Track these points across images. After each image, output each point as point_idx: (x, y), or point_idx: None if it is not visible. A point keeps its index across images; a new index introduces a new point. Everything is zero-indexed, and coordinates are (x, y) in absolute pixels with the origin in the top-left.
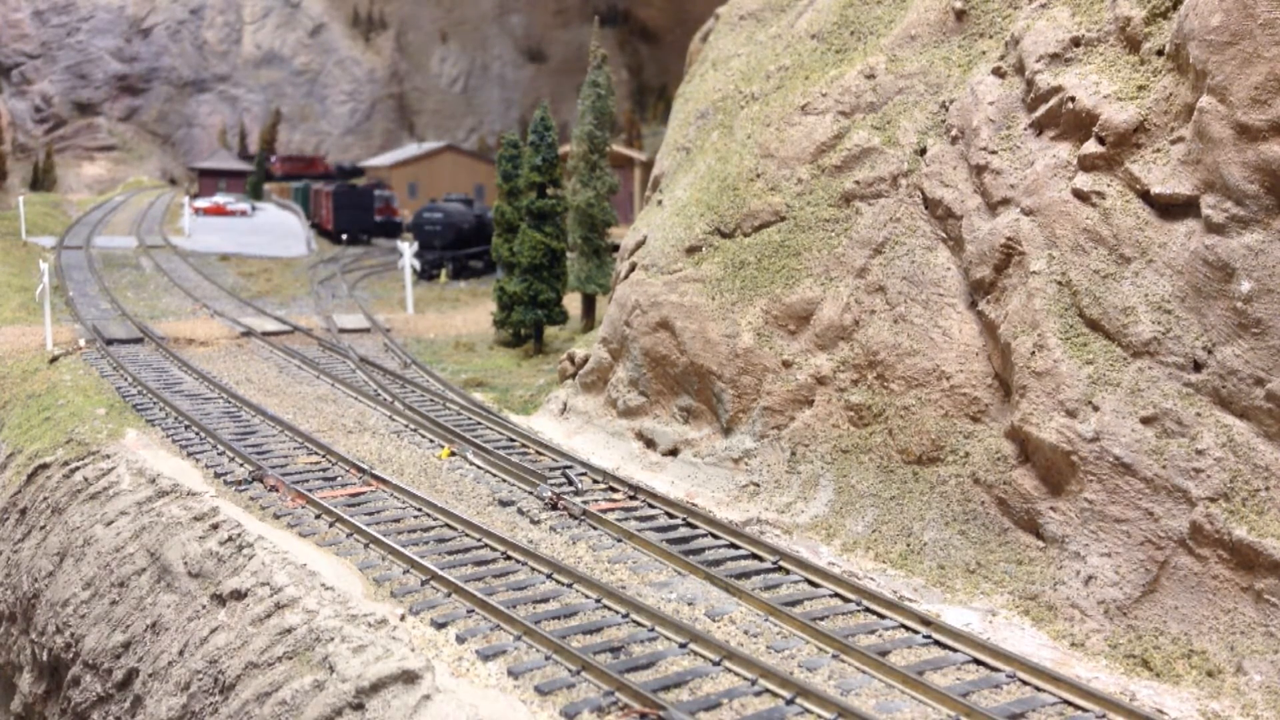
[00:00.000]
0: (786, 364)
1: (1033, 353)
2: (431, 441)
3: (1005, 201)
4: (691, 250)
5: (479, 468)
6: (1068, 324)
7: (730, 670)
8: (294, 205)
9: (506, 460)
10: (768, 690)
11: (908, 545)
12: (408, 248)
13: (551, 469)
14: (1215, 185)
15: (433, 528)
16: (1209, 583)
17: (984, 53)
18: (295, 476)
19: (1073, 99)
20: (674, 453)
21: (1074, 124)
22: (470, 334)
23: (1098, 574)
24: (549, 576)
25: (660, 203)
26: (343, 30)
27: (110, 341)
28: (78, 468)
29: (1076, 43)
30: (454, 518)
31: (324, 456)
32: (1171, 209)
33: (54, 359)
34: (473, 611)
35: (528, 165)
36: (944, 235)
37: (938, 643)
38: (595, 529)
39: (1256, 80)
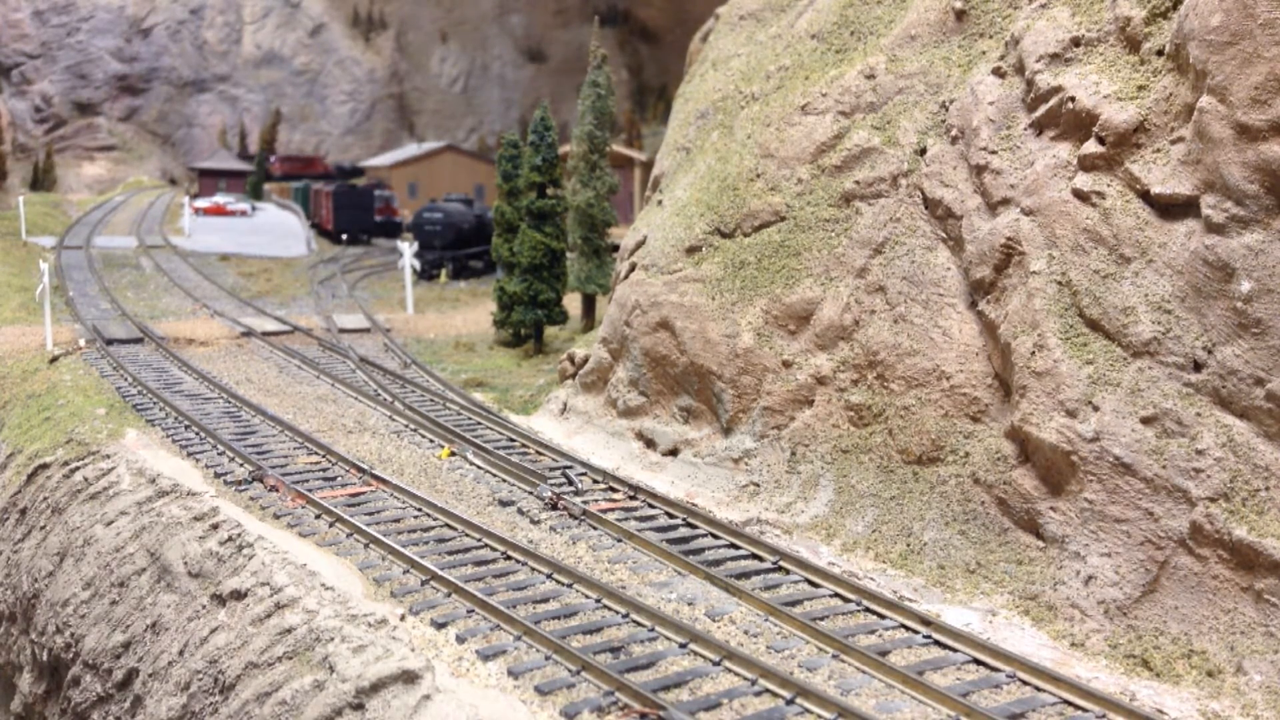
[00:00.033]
0: (786, 364)
1: (1033, 353)
2: (431, 441)
3: (1005, 201)
4: (691, 250)
5: (479, 468)
6: (1068, 324)
7: (730, 670)
8: (294, 205)
9: (506, 460)
10: (768, 690)
11: (908, 545)
12: (408, 248)
13: (551, 469)
14: (1215, 185)
15: (433, 528)
16: (1209, 583)
17: (984, 53)
18: (295, 476)
19: (1073, 99)
20: (674, 453)
21: (1074, 124)
22: (470, 334)
23: (1098, 574)
24: (549, 576)
25: (660, 203)
26: (343, 30)
27: (110, 341)
28: (78, 468)
29: (1076, 43)
30: (454, 518)
31: (324, 456)
32: (1171, 209)
33: (54, 359)
34: (473, 611)
35: (528, 165)
36: (944, 235)
37: (938, 643)
38: (595, 529)
39: (1256, 80)
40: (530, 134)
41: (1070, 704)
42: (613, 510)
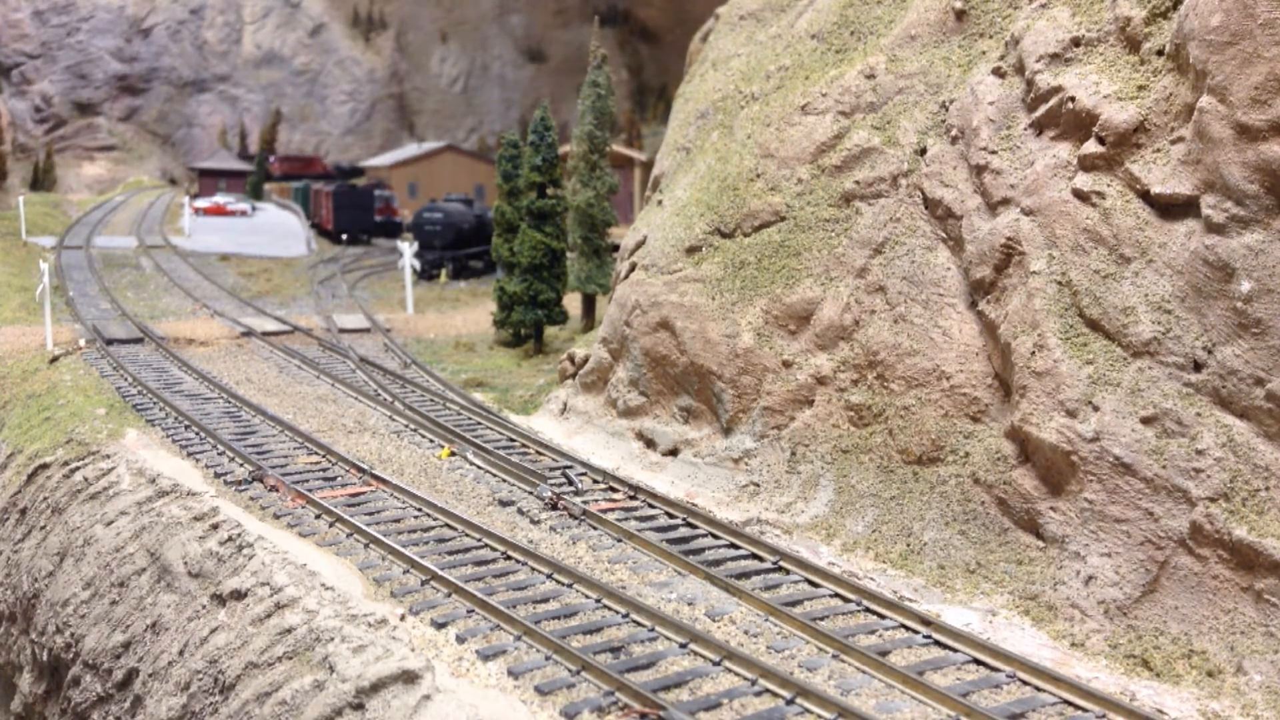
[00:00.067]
0: (786, 364)
1: (1033, 353)
2: (431, 441)
3: (1005, 201)
4: (691, 250)
5: (479, 468)
6: (1068, 324)
7: (730, 670)
8: (294, 205)
9: (506, 460)
10: (768, 690)
11: (908, 545)
12: (408, 248)
13: (551, 469)
14: (1215, 185)
15: (433, 528)
16: (1209, 583)
17: (984, 53)
18: (295, 476)
19: (1073, 99)
20: (674, 453)
21: (1074, 124)
22: (470, 334)
23: (1098, 574)
24: (549, 576)
25: (660, 203)
26: (343, 30)
27: (110, 341)
28: (78, 468)
29: (1076, 43)
30: (454, 518)
31: (324, 456)
32: (1171, 209)
33: (54, 359)
34: (473, 611)
35: (528, 165)
36: (944, 235)
37: (938, 643)
38: (595, 529)
39: (1256, 80)
40: (530, 134)
41: (1070, 704)
42: (613, 510)
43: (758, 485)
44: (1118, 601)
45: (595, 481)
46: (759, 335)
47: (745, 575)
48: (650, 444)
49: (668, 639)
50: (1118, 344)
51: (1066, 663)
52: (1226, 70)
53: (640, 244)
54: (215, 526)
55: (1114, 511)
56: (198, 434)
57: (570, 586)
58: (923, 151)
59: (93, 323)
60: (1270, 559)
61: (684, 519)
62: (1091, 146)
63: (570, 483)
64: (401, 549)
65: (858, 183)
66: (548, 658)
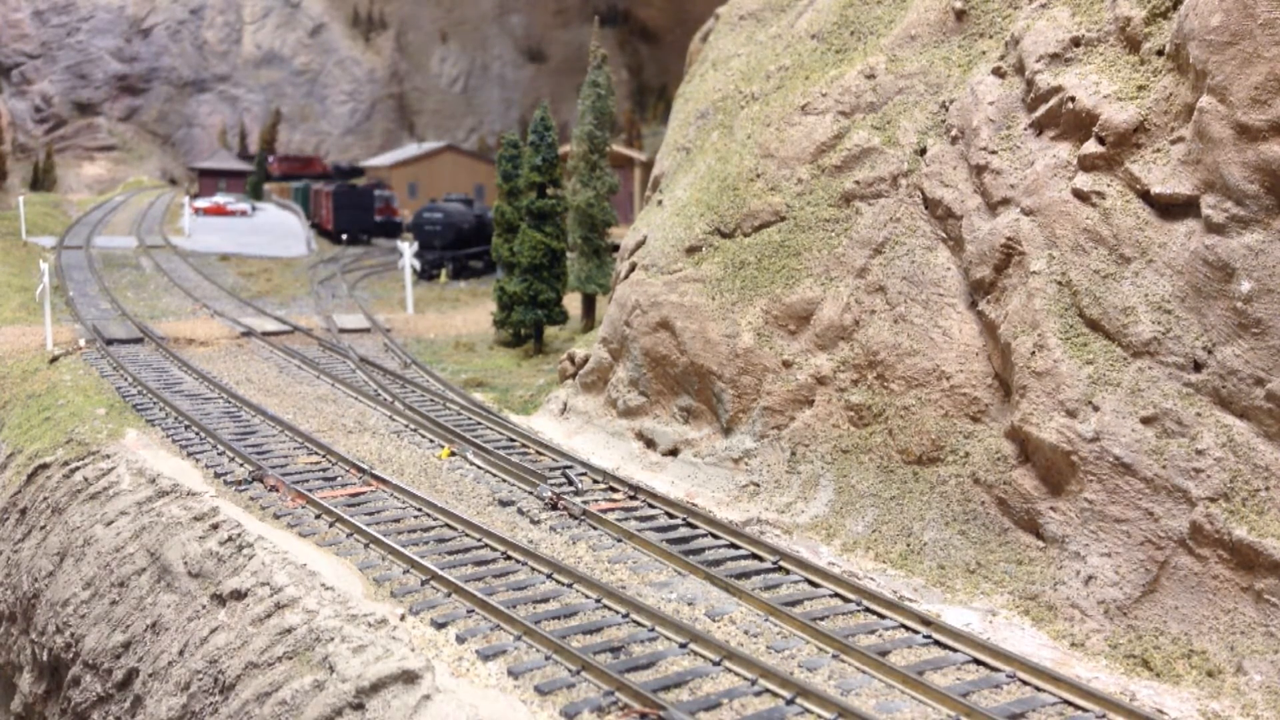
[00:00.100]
0: (786, 364)
1: (1033, 353)
2: (431, 441)
3: (1005, 201)
4: (691, 250)
5: (479, 468)
6: (1068, 324)
7: (730, 670)
8: (294, 205)
9: (506, 460)
10: (768, 690)
11: (908, 545)
12: (408, 248)
13: (551, 469)
14: (1215, 185)
15: (433, 528)
16: (1209, 583)
17: (984, 53)
18: (295, 476)
19: (1073, 99)
20: (674, 453)
21: (1074, 124)
22: (470, 334)
23: (1098, 574)
24: (549, 576)
25: (660, 203)
26: (343, 30)
27: (110, 341)
28: (78, 468)
29: (1076, 43)
30: (454, 518)
31: (324, 456)
32: (1171, 209)
33: (54, 359)
34: (473, 611)
35: (528, 165)
36: (944, 235)
37: (938, 643)
38: (595, 529)
39: (1256, 80)
40: (530, 134)
41: (1070, 704)
42: (613, 510)
43: (758, 485)
44: (1118, 601)
45: (595, 481)
46: (759, 335)
47: (745, 575)
48: (650, 444)
49: (668, 639)
50: (1118, 344)
51: (1066, 663)
52: (1226, 70)
53: (640, 244)
54: (215, 526)
55: (1114, 511)
56: (198, 434)
57: (570, 586)
58: (923, 151)
59: (93, 323)
60: (1270, 559)
61: (684, 519)
62: (1091, 146)
63: (570, 483)
64: (401, 549)
65: (858, 183)
66: (548, 658)
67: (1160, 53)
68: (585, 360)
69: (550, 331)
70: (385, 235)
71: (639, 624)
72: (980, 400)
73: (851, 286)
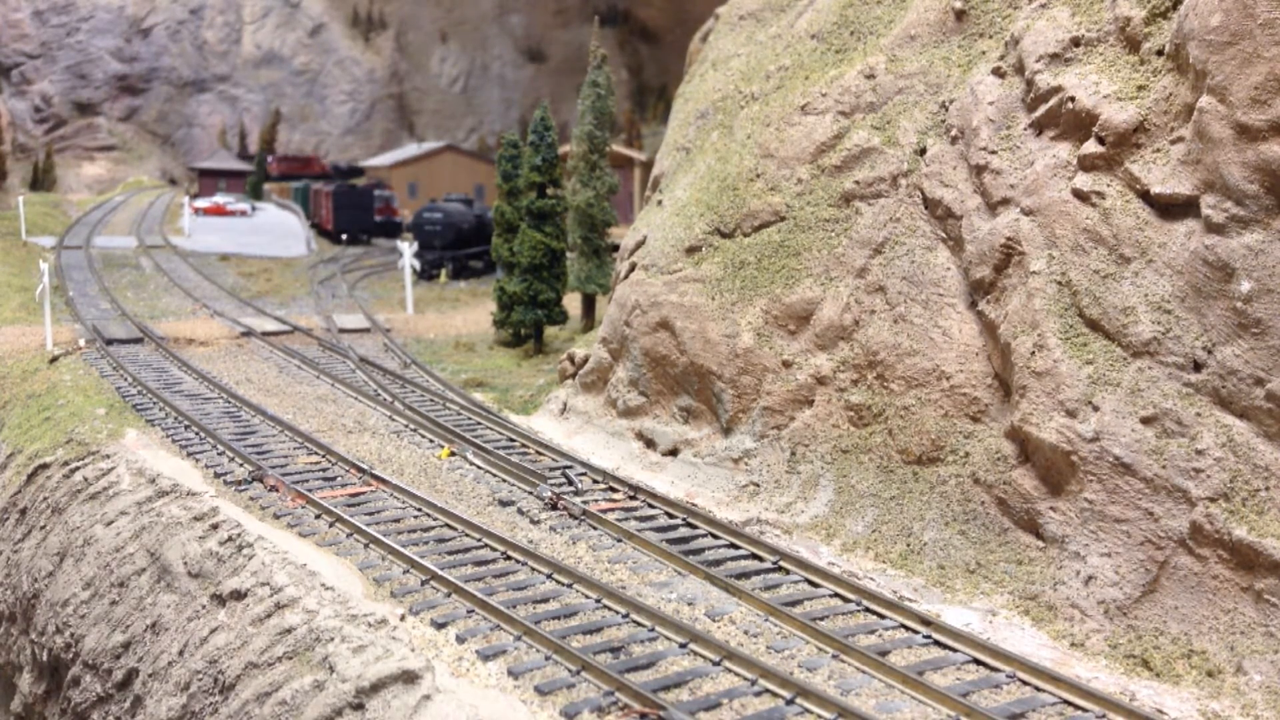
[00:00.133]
0: (786, 364)
1: (1033, 353)
2: (431, 441)
3: (1005, 201)
4: (691, 250)
5: (479, 468)
6: (1068, 324)
7: (730, 670)
8: (294, 205)
9: (506, 460)
10: (768, 690)
11: (908, 545)
12: (408, 248)
13: (551, 469)
14: (1215, 185)
15: (433, 528)
16: (1209, 583)
17: (984, 53)
18: (295, 476)
19: (1073, 99)
20: (674, 453)
21: (1074, 124)
22: (470, 334)
23: (1098, 574)
24: (549, 576)
25: (660, 203)
26: (343, 30)
27: (110, 341)
28: (78, 468)
29: (1076, 43)
30: (454, 518)
31: (324, 456)
32: (1171, 209)
33: (54, 359)
34: (473, 611)
35: (528, 165)
36: (944, 235)
37: (938, 643)
38: (595, 529)
39: (1256, 80)
40: (530, 134)
41: (1070, 704)
42: (613, 510)
43: (758, 485)
44: (1118, 601)
45: (595, 481)
46: (759, 335)
47: (745, 575)
48: (650, 444)
49: (668, 639)
50: (1118, 344)
51: (1066, 663)
52: (1226, 70)
53: (640, 244)
54: (215, 526)
55: (1114, 511)
56: (198, 434)
57: (570, 586)
58: (922, 151)
59: (92, 323)
60: (1270, 559)
61: (684, 519)
62: (1091, 146)
63: (570, 483)
64: (401, 549)
65: (858, 183)
66: (548, 658)
67: (1160, 53)
68: (585, 360)
69: (550, 331)
70: (385, 235)
71: (639, 624)
72: (980, 400)
73: (851, 286)
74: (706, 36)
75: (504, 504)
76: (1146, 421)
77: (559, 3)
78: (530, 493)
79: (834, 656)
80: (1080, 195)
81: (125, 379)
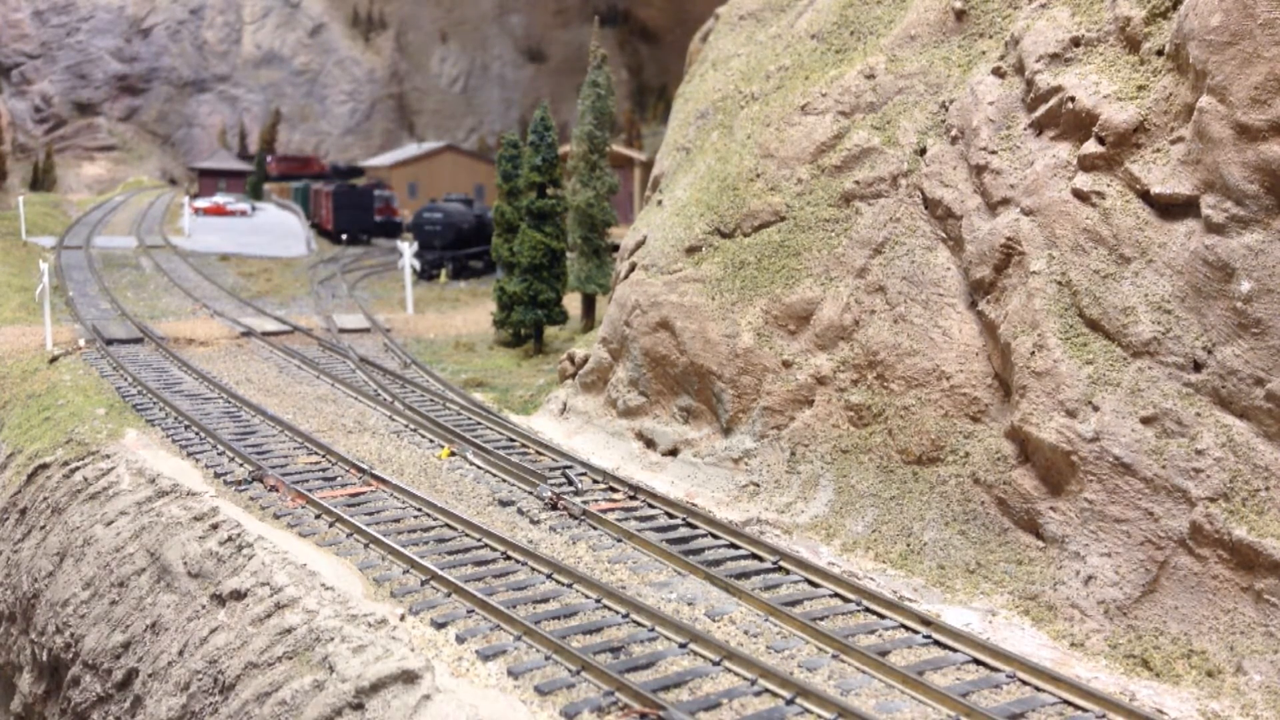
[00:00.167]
0: (786, 364)
1: (1033, 353)
2: (431, 441)
3: (1005, 201)
4: (691, 250)
5: (479, 468)
6: (1068, 324)
7: (730, 670)
8: (294, 205)
9: (506, 460)
10: (768, 690)
11: (908, 545)
12: (408, 248)
13: (551, 469)
14: (1215, 185)
15: (433, 528)
16: (1209, 583)
17: (984, 53)
18: (295, 476)
19: (1073, 99)
20: (674, 453)
21: (1074, 124)
22: (470, 334)
23: (1098, 574)
24: (549, 576)
25: (660, 203)
26: (343, 30)
27: (110, 341)
28: (78, 468)
29: (1076, 43)
30: (454, 518)
31: (324, 456)
32: (1171, 209)
33: (54, 359)
34: (473, 611)
35: (528, 165)
36: (944, 235)
37: (938, 643)
38: (595, 529)
39: (1256, 80)
40: (530, 134)
41: (1070, 704)
42: (613, 510)
43: (758, 485)
44: (1118, 601)
45: (595, 481)
46: (759, 335)
47: (745, 575)
48: (650, 444)
49: (668, 639)
50: (1118, 344)
51: (1066, 663)
52: (1226, 70)
53: (640, 244)
54: (215, 526)
55: (1114, 511)
56: (198, 434)
57: (570, 586)
58: (923, 151)
59: (92, 323)
60: (1270, 559)
61: (684, 519)
62: (1091, 146)
63: (570, 483)
64: (401, 549)
65: (858, 183)
66: (548, 658)
67: (1160, 53)
68: (585, 360)
69: (550, 331)
70: (385, 235)
71: (639, 624)
72: (980, 400)
73: (851, 286)
74: (706, 36)
75: (504, 504)
76: (1146, 421)
77: (559, 3)
78: (530, 493)
79: (834, 656)
80: (1080, 195)
81: (125, 379)
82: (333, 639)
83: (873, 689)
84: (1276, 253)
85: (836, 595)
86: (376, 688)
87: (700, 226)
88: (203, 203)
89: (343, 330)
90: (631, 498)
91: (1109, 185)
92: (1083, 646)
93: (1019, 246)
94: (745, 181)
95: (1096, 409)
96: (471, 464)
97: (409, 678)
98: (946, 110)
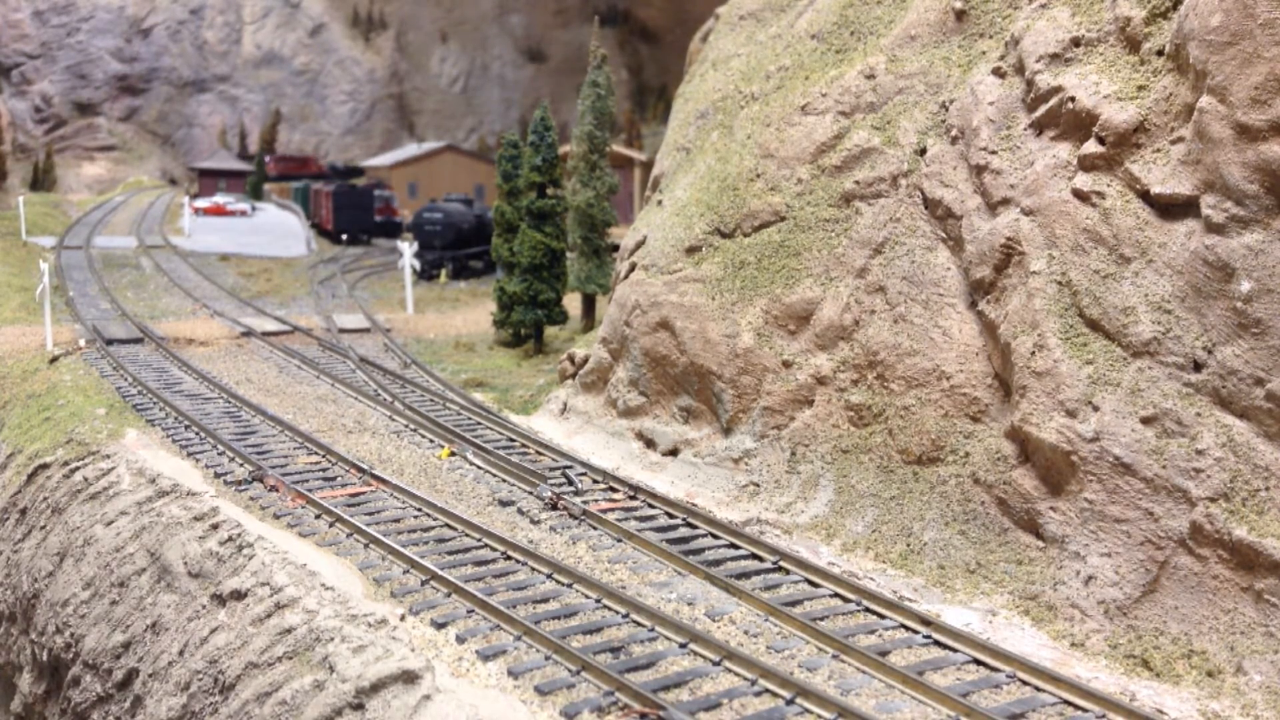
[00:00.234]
0: (786, 364)
1: (1033, 353)
2: (431, 441)
3: (1005, 201)
4: (691, 250)
5: (479, 468)
6: (1068, 324)
7: (730, 670)
8: (294, 205)
9: (506, 460)
10: (768, 690)
11: (908, 545)
12: (408, 248)
13: (551, 469)
14: (1215, 185)
15: (433, 528)
16: (1209, 583)
17: (984, 53)
18: (295, 476)
19: (1073, 99)
20: (674, 453)
21: (1074, 124)
22: (470, 334)
23: (1098, 574)
24: (549, 576)
25: (660, 203)
26: (343, 30)
27: (110, 341)
28: (78, 468)
29: (1076, 43)
30: (454, 518)
31: (324, 456)
32: (1171, 209)
33: (54, 359)
34: (473, 611)
35: (528, 165)
36: (944, 235)
37: (938, 643)
38: (595, 529)
39: (1256, 80)
40: (530, 134)
41: (1070, 704)
42: (613, 510)
43: (758, 485)
44: (1118, 601)
45: (595, 481)
46: (759, 335)
47: (745, 575)
48: (650, 444)
49: (668, 639)
50: (1118, 344)
51: (1066, 663)
52: (1226, 70)
53: (640, 244)
54: (215, 526)
55: (1114, 511)
56: (198, 434)
57: (570, 586)
58: (923, 151)
59: (93, 323)
60: (1270, 559)
61: (684, 519)
62: (1091, 146)
63: (570, 483)
64: (401, 549)
65: (858, 183)
66: (548, 658)
67: (1160, 53)
68: (585, 360)
69: (550, 331)
70: (385, 235)
71: (639, 624)
72: (980, 400)
73: (851, 286)
74: (706, 36)
75: (504, 504)
76: (1146, 421)
77: (559, 3)
78: (530, 493)
79: (834, 656)
80: (1080, 195)
81: (125, 379)
82: (333, 639)
83: (873, 689)
84: (1276, 253)
85: (836, 595)
86: (377, 688)
87: (700, 226)
88: (203, 203)
89: (343, 330)
90: (631, 498)
91: (1109, 185)
92: (1083, 646)
93: (1019, 246)
94: (745, 181)
95: (1096, 409)
96: (471, 464)
97: (409, 678)
98: (946, 110)
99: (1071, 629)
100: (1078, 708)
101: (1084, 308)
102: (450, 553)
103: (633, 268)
